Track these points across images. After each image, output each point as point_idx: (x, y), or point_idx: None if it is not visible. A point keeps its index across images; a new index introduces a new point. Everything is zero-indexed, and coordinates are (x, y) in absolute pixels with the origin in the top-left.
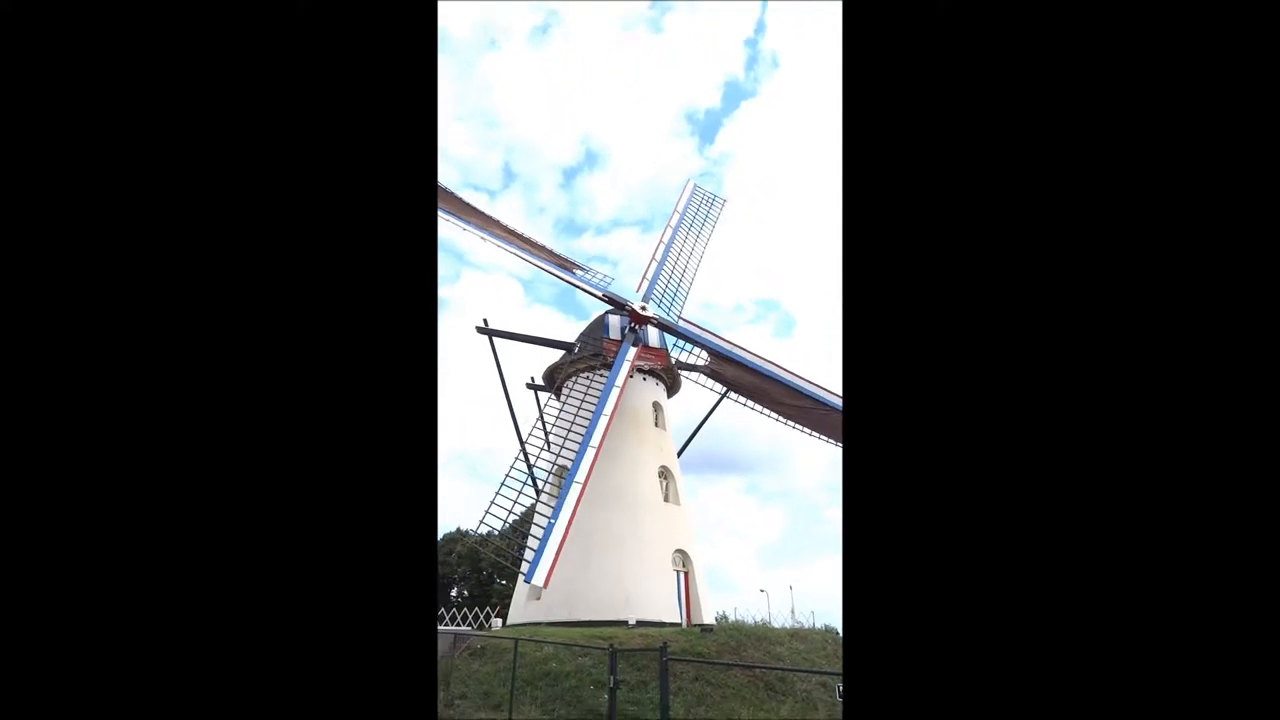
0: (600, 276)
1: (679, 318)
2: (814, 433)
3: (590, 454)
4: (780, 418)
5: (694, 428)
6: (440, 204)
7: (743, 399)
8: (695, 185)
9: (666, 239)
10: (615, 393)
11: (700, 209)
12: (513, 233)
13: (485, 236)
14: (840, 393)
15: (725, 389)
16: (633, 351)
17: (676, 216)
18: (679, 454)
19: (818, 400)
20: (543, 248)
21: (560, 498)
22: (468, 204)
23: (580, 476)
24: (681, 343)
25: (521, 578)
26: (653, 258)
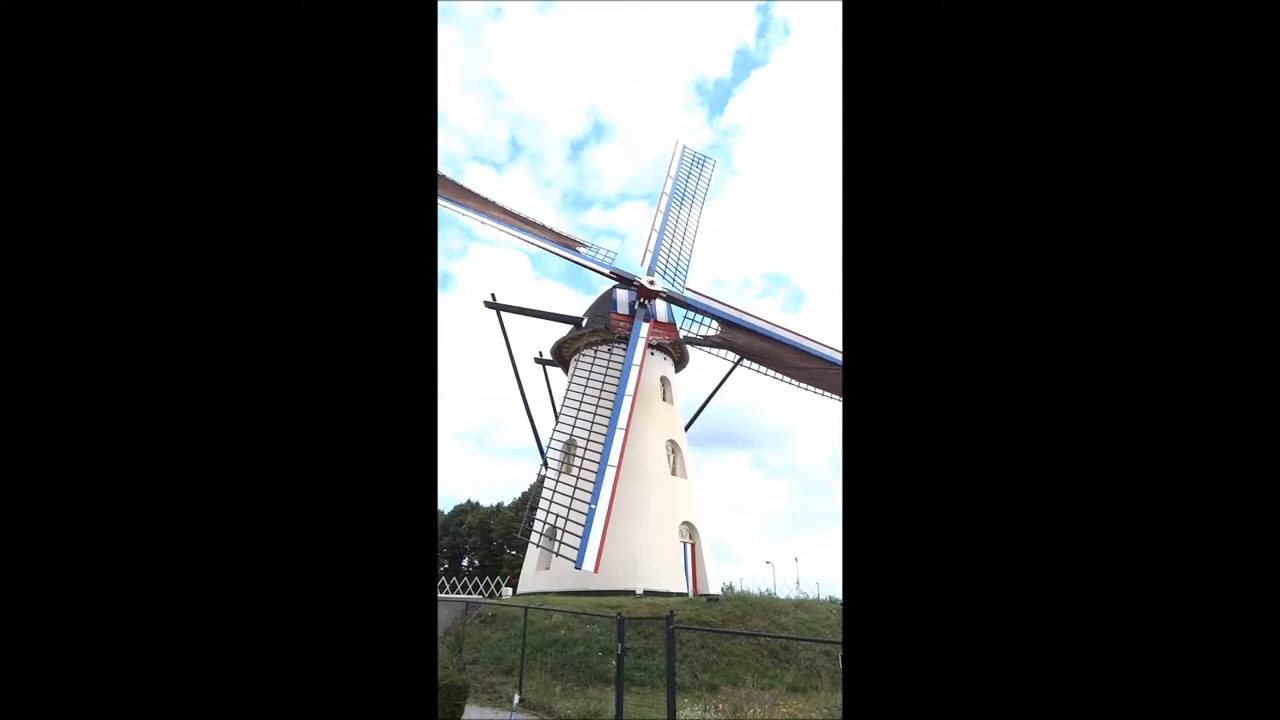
0: (604, 253)
1: (685, 288)
2: (825, 392)
3: (619, 436)
4: (792, 380)
5: (701, 402)
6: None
7: (755, 365)
8: (684, 147)
9: (663, 206)
10: (635, 371)
11: (692, 171)
12: (511, 214)
13: (485, 220)
14: None
15: (738, 357)
16: (645, 328)
17: (670, 182)
18: (687, 428)
19: (826, 360)
20: (543, 227)
21: (597, 483)
22: (464, 188)
23: (613, 459)
24: (690, 315)
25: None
26: (652, 228)
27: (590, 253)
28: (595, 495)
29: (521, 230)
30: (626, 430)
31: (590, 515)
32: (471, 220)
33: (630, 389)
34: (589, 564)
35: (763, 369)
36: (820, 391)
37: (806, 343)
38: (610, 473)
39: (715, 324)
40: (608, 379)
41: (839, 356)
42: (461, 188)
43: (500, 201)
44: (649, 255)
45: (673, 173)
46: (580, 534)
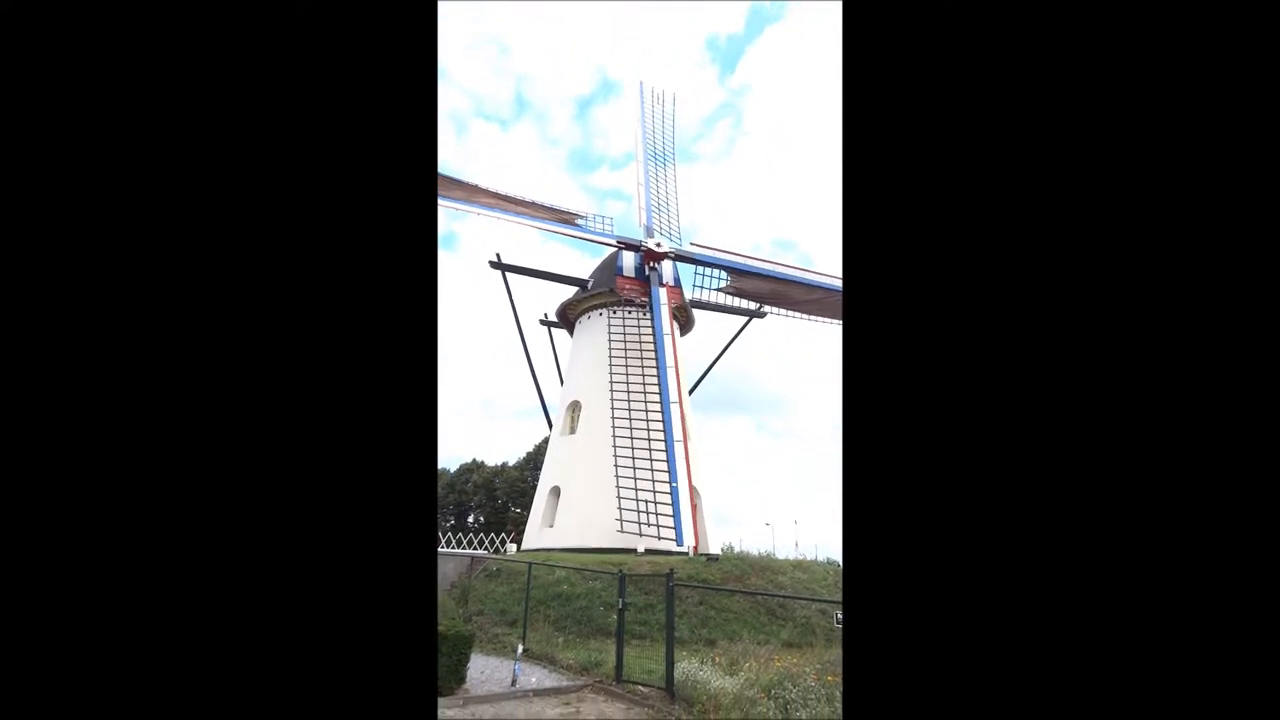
0: (603, 221)
1: (691, 244)
2: (835, 321)
3: (675, 410)
4: (804, 315)
5: (703, 366)
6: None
7: (770, 309)
8: (641, 83)
9: (641, 156)
10: (668, 342)
11: (657, 108)
12: (502, 197)
13: (478, 210)
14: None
15: (756, 307)
16: (664, 293)
17: (639, 126)
18: (691, 391)
19: (828, 289)
20: (538, 205)
21: (670, 462)
22: (447, 178)
23: (678, 435)
24: (700, 271)
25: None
26: (638, 181)
27: (589, 223)
28: (672, 475)
29: (516, 214)
30: (680, 404)
31: (674, 494)
32: (463, 211)
33: (669, 361)
34: (688, 542)
35: (775, 310)
36: (829, 321)
37: (808, 275)
38: (679, 449)
39: (724, 275)
40: (643, 345)
41: (837, 283)
42: (445, 178)
43: (487, 185)
44: (643, 212)
45: (640, 116)
46: (671, 514)
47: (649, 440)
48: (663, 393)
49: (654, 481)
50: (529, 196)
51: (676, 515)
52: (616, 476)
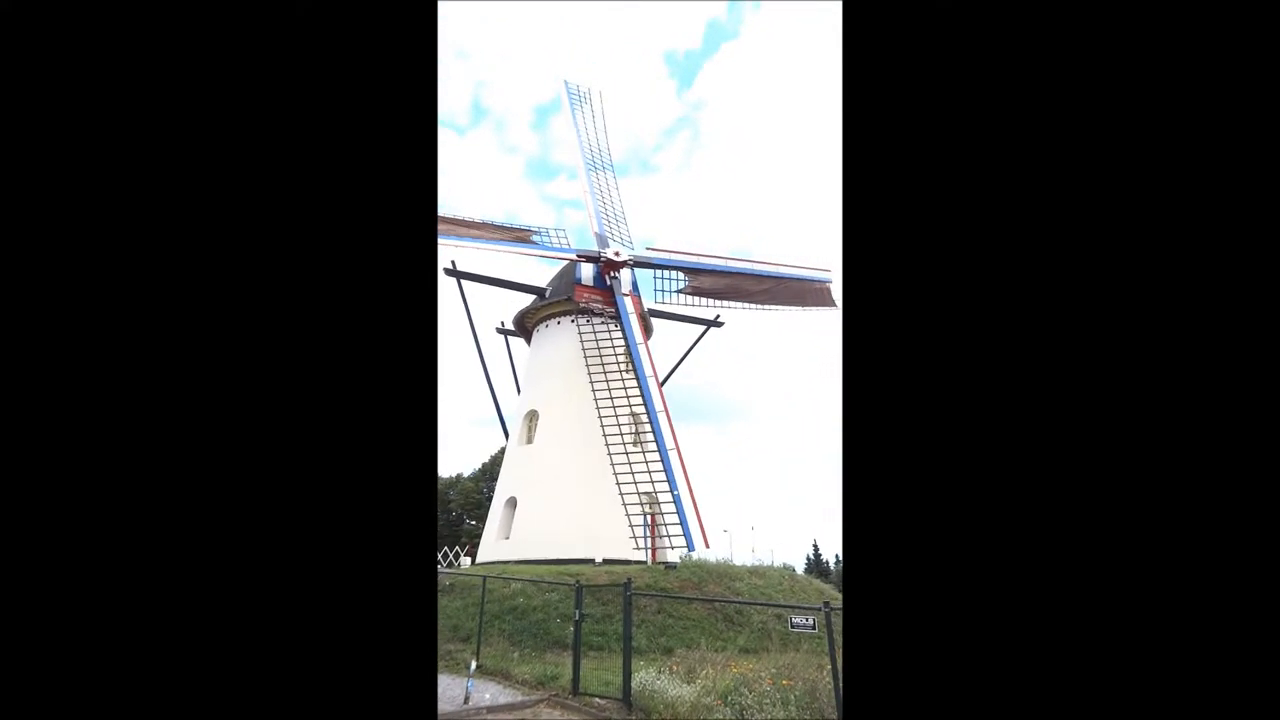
0: (559, 235)
1: (648, 249)
2: (786, 306)
3: (663, 419)
4: (758, 305)
5: (663, 376)
6: None
7: (724, 303)
8: (566, 82)
9: (580, 156)
10: (644, 351)
11: (585, 107)
12: (450, 220)
13: None
14: (797, 264)
15: (714, 316)
16: (630, 303)
17: (573, 127)
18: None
19: (776, 278)
20: (489, 225)
21: (666, 469)
22: None
23: (670, 444)
24: (660, 274)
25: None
26: (583, 187)
27: (545, 238)
28: (671, 482)
29: (470, 238)
30: (666, 413)
31: (678, 502)
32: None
33: (648, 370)
34: (699, 545)
35: (732, 304)
36: (782, 307)
37: (758, 266)
38: (674, 457)
39: (682, 277)
40: (616, 353)
41: (788, 270)
42: None
43: (438, 212)
44: (594, 219)
45: (569, 116)
46: (677, 521)
47: (644, 451)
48: (648, 403)
49: (655, 491)
50: (481, 216)
51: (683, 524)
52: (620, 492)
